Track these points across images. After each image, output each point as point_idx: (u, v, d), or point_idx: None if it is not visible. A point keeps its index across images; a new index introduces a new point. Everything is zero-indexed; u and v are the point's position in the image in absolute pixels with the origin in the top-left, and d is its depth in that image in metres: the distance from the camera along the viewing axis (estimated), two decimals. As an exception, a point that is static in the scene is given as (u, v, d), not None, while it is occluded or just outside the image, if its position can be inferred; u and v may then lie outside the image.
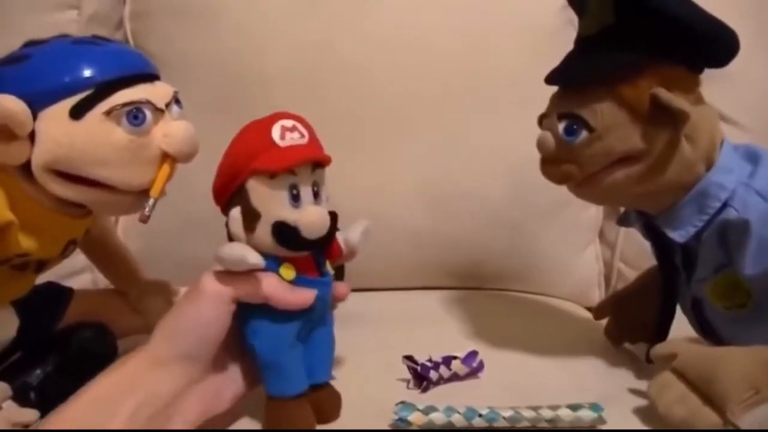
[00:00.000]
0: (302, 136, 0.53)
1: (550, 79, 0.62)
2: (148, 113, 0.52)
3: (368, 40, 0.94)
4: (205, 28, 0.94)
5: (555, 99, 0.62)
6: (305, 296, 0.52)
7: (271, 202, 0.50)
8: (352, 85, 0.92)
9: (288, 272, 0.52)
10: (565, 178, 0.61)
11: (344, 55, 0.93)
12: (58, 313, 0.66)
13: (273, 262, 0.51)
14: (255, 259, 0.49)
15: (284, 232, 0.50)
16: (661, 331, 0.67)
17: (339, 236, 0.57)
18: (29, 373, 0.60)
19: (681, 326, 0.68)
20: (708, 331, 0.66)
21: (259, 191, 0.50)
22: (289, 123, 0.52)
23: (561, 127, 0.59)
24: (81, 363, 0.63)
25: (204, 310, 0.49)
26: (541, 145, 0.62)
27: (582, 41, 0.62)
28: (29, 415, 0.56)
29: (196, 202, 0.89)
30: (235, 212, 0.51)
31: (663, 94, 0.55)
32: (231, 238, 0.52)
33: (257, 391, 0.55)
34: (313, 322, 0.55)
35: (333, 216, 0.52)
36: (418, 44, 0.94)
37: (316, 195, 0.52)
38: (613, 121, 0.57)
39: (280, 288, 0.51)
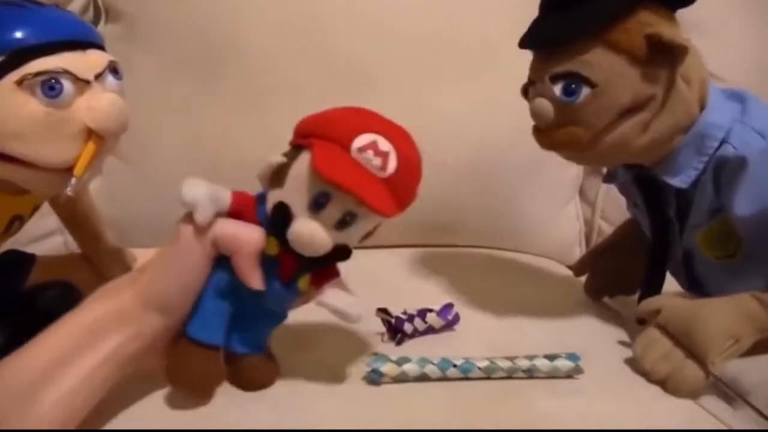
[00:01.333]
0: (382, 168, 0.46)
1: (526, 43, 0.59)
2: (67, 84, 0.48)
3: (343, 5, 0.92)
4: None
5: (539, 63, 0.59)
6: (255, 282, 0.48)
7: (297, 185, 0.46)
8: (327, 46, 0.90)
9: (272, 247, 0.48)
10: (573, 141, 0.57)
11: (321, 15, 0.91)
12: (20, 280, 0.64)
13: (268, 229, 0.48)
14: (202, 216, 0.46)
15: (277, 216, 0.47)
16: (651, 290, 0.66)
17: (335, 282, 0.51)
18: (-6, 332, 0.58)
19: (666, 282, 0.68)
20: (696, 286, 0.66)
21: (300, 167, 0.46)
22: (384, 146, 0.46)
23: (557, 89, 0.56)
24: (48, 322, 0.62)
25: (186, 262, 0.48)
26: (537, 113, 0.58)
27: (548, 3, 0.59)
28: None
29: (166, 165, 0.88)
30: (274, 159, 0.47)
31: (662, 32, 0.53)
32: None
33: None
34: (257, 304, 0.51)
35: (340, 250, 0.48)
36: (393, 5, 0.93)
37: (343, 223, 0.47)
38: (613, 71, 0.54)
39: (251, 252, 0.48)
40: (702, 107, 0.58)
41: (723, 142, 0.57)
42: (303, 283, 0.50)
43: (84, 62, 0.50)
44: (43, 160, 0.49)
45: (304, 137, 0.48)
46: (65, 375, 0.45)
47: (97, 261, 0.69)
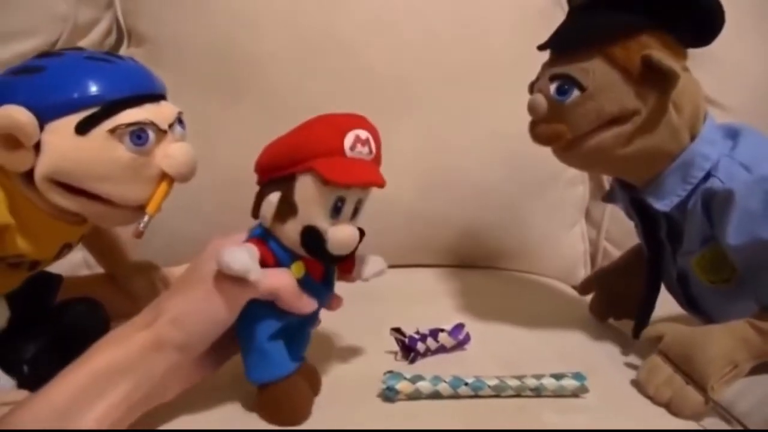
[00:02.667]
0: (370, 152, 0.52)
1: (543, 46, 0.63)
2: (151, 134, 0.53)
3: (362, 19, 0.94)
4: (197, 7, 0.93)
5: (546, 64, 0.64)
6: (309, 306, 0.52)
7: (314, 205, 0.50)
8: (345, 64, 0.92)
9: (298, 270, 0.52)
10: (555, 137, 0.62)
11: (338, 33, 0.93)
12: (48, 301, 0.67)
13: (288, 257, 0.52)
14: (256, 276, 0.48)
15: (312, 240, 0.50)
16: (646, 307, 0.68)
17: (358, 259, 0.57)
18: (22, 347, 0.60)
19: (665, 302, 0.70)
20: (693, 305, 0.68)
21: (306, 190, 0.50)
22: (363, 135, 0.51)
23: (552, 87, 0.61)
24: (73, 337, 0.64)
25: (221, 311, 0.49)
26: (532, 106, 0.63)
27: (573, 11, 0.63)
28: (19, 395, 0.55)
29: (188, 184, 0.90)
30: (274, 197, 0.50)
31: (655, 54, 0.56)
32: (256, 212, 0.52)
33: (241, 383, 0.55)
34: (299, 323, 0.55)
35: (360, 233, 0.52)
36: (412, 24, 0.95)
37: (356, 211, 0.52)
38: (605, 81, 0.58)
39: (292, 292, 0.51)
40: (693, 136, 0.61)
41: (710, 175, 0.60)
42: (334, 276, 0.56)
43: (160, 113, 0.54)
44: (122, 199, 0.54)
45: (290, 167, 0.50)
46: (73, 425, 0.45)
47: (121, 278, 0.71)
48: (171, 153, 0.55)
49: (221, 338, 0.51)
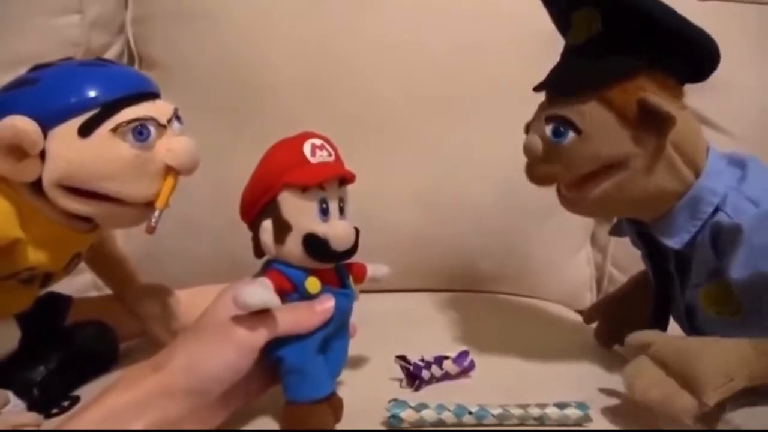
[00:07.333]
0: (330, 154, 0.56)
1: (539, 88, 0.64)
2: (152, 129, 0.55)
3: (369, 44, 0.96)
4: (207, 33, 0.95)
5: (543, 105, 0.64)
6: (325, 309, 0.54)
7: (303, 214, 0.53)
8: (352, 89, 0.94)
9: (314, 284, 0.54)
10: (550, 177, 0.63)
11: (345, 59, 0.95)
12: (58, 322, 0.68)
13: (300, 274, 0.54)
14: (275, 302, 0.50)
15: (315, 244, 0.53)
16: None
17: (368, 265, 0.62)
18: (32, 369, 0.61)
19: (671, 329, 0.69)
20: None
21: (290, 204, 0.53)
22: (318, 142, 0.55)
23: (548, 129, 0.61)
24: (83, 360, 0.65)
25: (234, 358, 0.49)
26: (528, 147, 0.63)
27: (569, 52, 0.64)
28: (30, 417, 0.57)
29: (195, 204, 0.91)
30: (267, 224, 0.53)
31: (650, 98, 0.57)
32: (258, 248, 0.55)
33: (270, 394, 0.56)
34: (333, 332, 0.56)
35: (356, 231, 0.55)
36: (418, 50, 0.96)
37: (342, 210, 0.56)
38: (601, 124, 0.58)
39: (304, 319, 0.53)
40: (697, 173, 0.61)
41: (718, 209, 0.60)
42: (351, 281, 0.59)
43: (159, 110, 0.57)
44: (130, 196, 0.56)
45: (268, 194, 0.54)
46: None
47: (129, 300, 0.72)
48: (173, 147, 0.56)
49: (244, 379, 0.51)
